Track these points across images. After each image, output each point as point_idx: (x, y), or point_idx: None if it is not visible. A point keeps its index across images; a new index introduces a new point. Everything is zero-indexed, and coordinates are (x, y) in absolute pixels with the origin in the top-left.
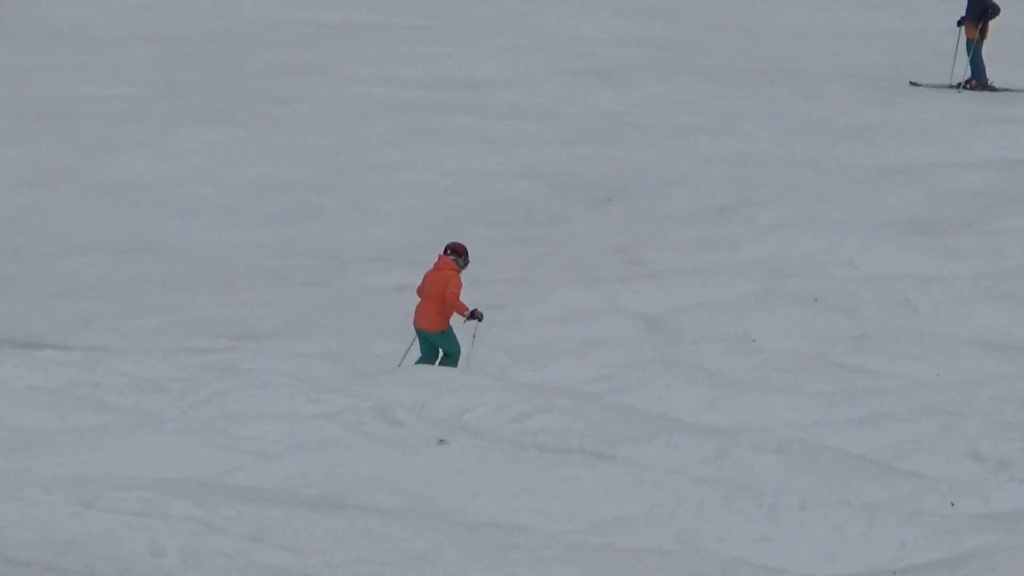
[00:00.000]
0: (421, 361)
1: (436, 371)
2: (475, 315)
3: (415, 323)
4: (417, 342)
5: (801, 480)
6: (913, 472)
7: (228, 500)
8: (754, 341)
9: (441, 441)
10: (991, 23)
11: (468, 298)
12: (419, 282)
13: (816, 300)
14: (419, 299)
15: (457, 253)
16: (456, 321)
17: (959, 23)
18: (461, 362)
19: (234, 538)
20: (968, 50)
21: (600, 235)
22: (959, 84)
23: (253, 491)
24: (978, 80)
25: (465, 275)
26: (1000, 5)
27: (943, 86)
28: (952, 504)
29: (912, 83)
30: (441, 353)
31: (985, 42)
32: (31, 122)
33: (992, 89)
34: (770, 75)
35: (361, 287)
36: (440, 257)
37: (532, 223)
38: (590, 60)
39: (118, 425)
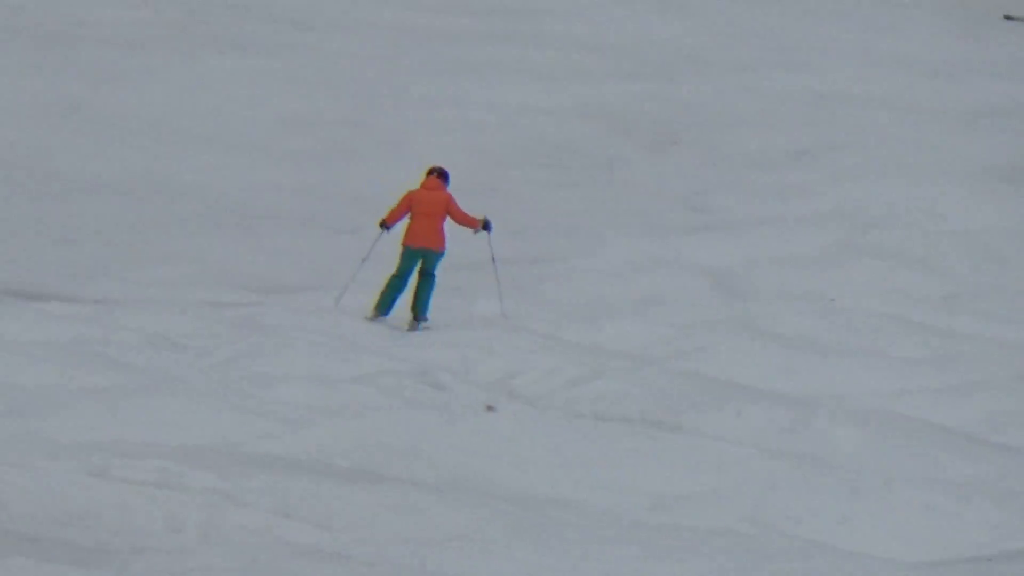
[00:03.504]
0: (395, 279)
1: (481, 331)
2: (486, 225)
3: (414, 243)
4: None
5: (884, 455)
6: (1009, 447)
7: (253, 471)
8: (832, 300)
9: (488, 408)
10: None
11: (517, 247)
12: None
13: (899, 255)
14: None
15: (443, 176)
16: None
17: None
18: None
19: (259, 512)
20: None
21: (662, 181)
22: None
23: (280, 461)
24: None
25: (515, 224)
26: None
27: None
28: None
29: (1007, 16)
30: (423, 277)
31: None
32: (33, 48)
33: None
34: (849, 3)
35: (398, 235)
36: (428, 178)
37: (586, 166)
38: None
39: (131, 386)
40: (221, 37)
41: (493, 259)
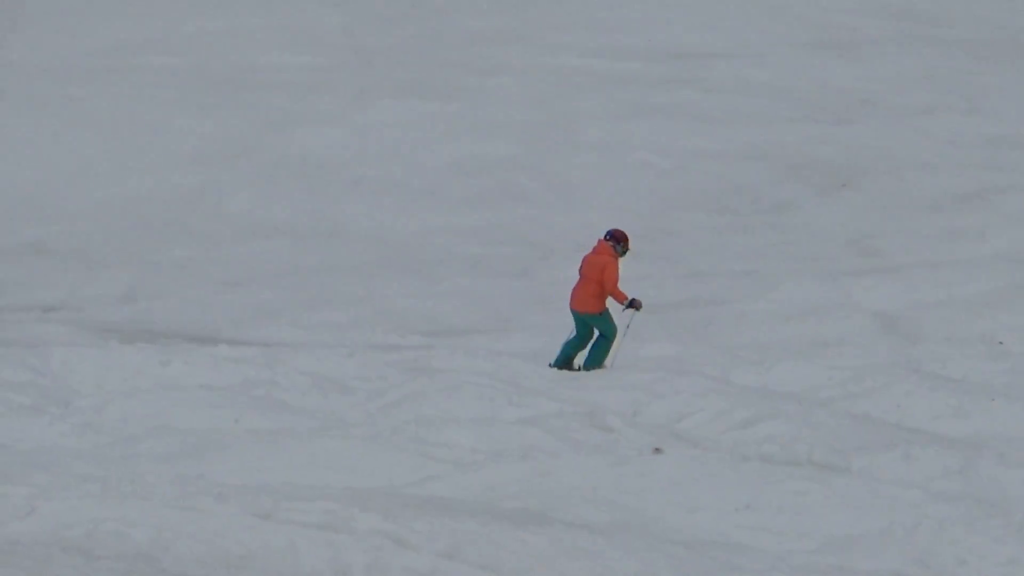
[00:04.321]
0: (570, 342)
1: (649, 373)
2: (634, 304)
3: (570, 304)
4: (573, 328)
5: None
6: None
7: (420, 513)
8: (1001, 343)
9: (656, 450)
10: None
11: (688, 290)
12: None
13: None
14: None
15: (616, 239)
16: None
17: None
18: (612, 351)
19: (426, 555)
20: None
21: (833, 224)
22: None
23: (447, 503)
24: None
25: (686, 267)
26: None
27: None
28: None
29: None
30: (596, 335)
31: None
32: (206, 92)
33: None
34: (1018, 48)
35: (568, 278)
36: (599, 241)
37: (758, 210)
38: (823, 30)
39: (299, 429)
40: (393, 82)
41: (627, 326)
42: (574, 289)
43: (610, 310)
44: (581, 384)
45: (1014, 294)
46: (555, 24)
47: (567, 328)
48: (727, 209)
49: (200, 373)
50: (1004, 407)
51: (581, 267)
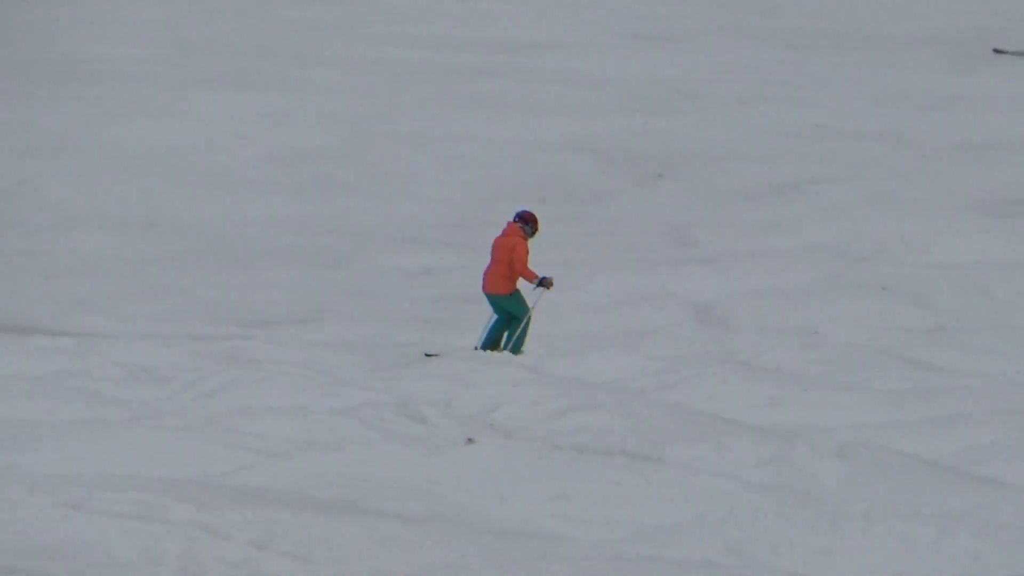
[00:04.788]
0: (494, 325)
1: (463, 363)
2: (544, 282)
3: (483, 287)
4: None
5: (866, 487)
6: (991, 479)
7: (233, 503)
8: (816, 333)
9: (469, 440)
10: None
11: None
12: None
13: (885, 289)
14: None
15: (524, 221)
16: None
17: None
18: (527, 332)
19: (239, 545)
20: None
21: (650, 214)
22: None
23: (261, 493)
24: None
25: None
26: None
27: None
28: None
29: (996, 50)
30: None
31: None
32: (28, 82)
33: None
34: (842, 39)
35: (385, 269)
36: (508, 224)
37: (576, 200)
38: (645, 21)
39: (112, 419)
40: (216, 73)
41: (532, 305)
42: (485, 272)
43: (521, 292)
44: (395, 374)
45: (829, 285)
46: (379, 15)
47: (385, 319)
48: (545, 199)
49: (13, 363)
50: (818, 397)
51: (492, 250)
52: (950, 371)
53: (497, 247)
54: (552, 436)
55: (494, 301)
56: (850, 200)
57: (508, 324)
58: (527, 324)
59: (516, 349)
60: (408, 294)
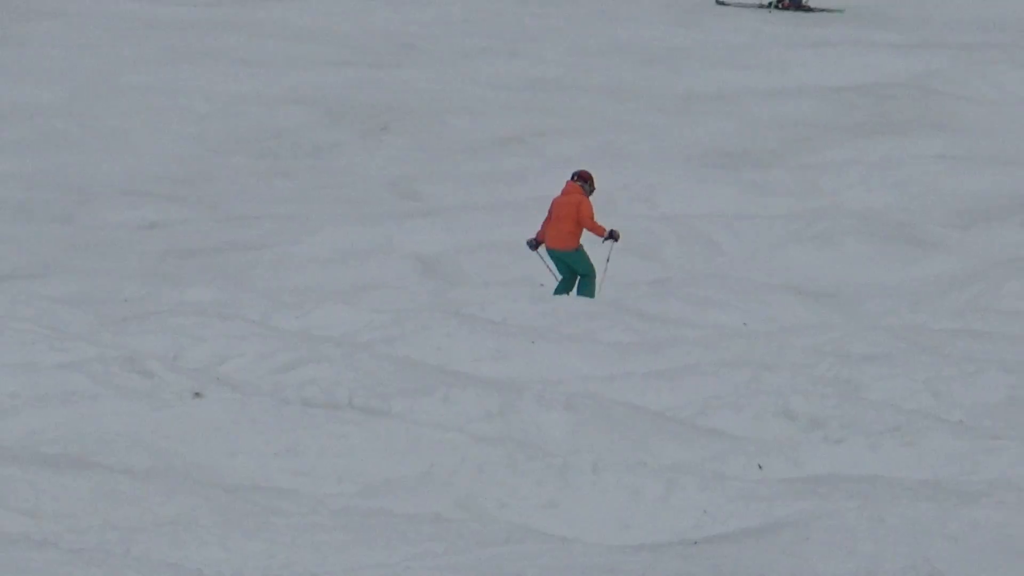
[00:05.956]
0: (561, 283)
1: (190, 317)
2: (612, 235)
3: (548, 244)
4: (552, 264)
5: (593, 439)
6: (717, 431)
7: None
8: (542, 286)
9: (196, 394)
10: None
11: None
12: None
13: (605, 240)
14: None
15: (584, 179)
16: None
17: None
18: (596, 284)
19: None
20: None
21: (374, 167)
22: (770, 3)
23: None
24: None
25: (227, 212)
26: None
27: (753, 5)
28: (760, 467)
29: (719, 2)
30: (578, 278)
31: None
32: None
33: (807, 9)
34: None
35: (110, 224)
36: (568, 183)
37: (299, 153)
38: None
39: None
40: None
41: (607, 260)
42: (547, 230)
43: (585, 247)
44: (122, 329)
45: None
46: None
47: (111, 273)
48: (268, 153)
49: None
50: (543, 349)
51: (552, 208)
52: (676, 323)
53: (559, 205)
54: (279, 390)
55: (560, 258)
56: (575, 153)
57: (571, 284)
58: (593, 279)
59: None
60: (135, 249)
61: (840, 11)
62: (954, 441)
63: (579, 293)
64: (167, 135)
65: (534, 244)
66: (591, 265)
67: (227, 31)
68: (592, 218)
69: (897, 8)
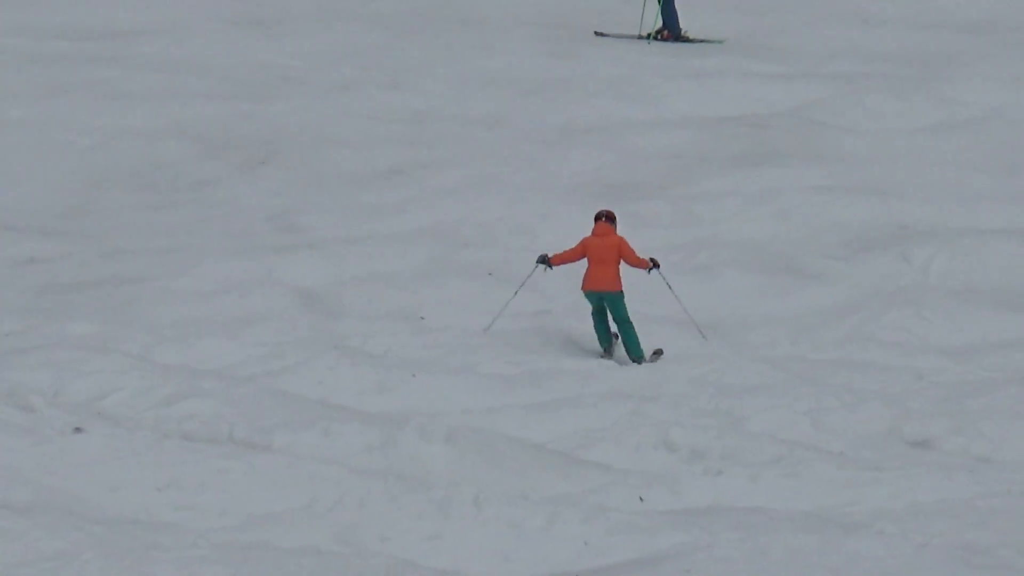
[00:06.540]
0: (599, 323)
1: (71, 351)
2: (654, 263)
3: (593, 287)
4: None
5: (474, 472)
6: (599, 463)
7: None
8: (423, 319)
9: (77, 429)
10: None
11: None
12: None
13: (491, 273)
14: (589, 265)
15: (611, 219)
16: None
17: None
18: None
19: None
20: None
21: (254, 200)
22: (650, 35)
23: None
24: (671, 30)
25: (108, 246)
26: None
27: (632, 36)
28: (641, 499)
29: (598, 33)
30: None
31: None
32: None
33: (687, 40)
34: (443, 23)
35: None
36: (598, 224)
37: (179, 187)
38: (245, 6)
39: None
40: None
41: (670, 287)
42: (593, 273)
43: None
44: (2, 362)
45: (434, 268)
46: None
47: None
48: (149, 187)
49: None
50: (425, 382)
51: (591, 252)
52: (558, 355)
53: (600, 248)
54: (161, 424)
55: (603, 298)
56: (455, 185)
57: (604, 314)
58: (631, 324)
59: (639, 351)
60: (13, 284)
61: (720, 42)
62: (835, 472)
63: (630, 352)
64: (46, 169)
65: (545, 260)
66: (626, 309)
67: (106, 65)
68: (635, 254)
69: (777, 39)
